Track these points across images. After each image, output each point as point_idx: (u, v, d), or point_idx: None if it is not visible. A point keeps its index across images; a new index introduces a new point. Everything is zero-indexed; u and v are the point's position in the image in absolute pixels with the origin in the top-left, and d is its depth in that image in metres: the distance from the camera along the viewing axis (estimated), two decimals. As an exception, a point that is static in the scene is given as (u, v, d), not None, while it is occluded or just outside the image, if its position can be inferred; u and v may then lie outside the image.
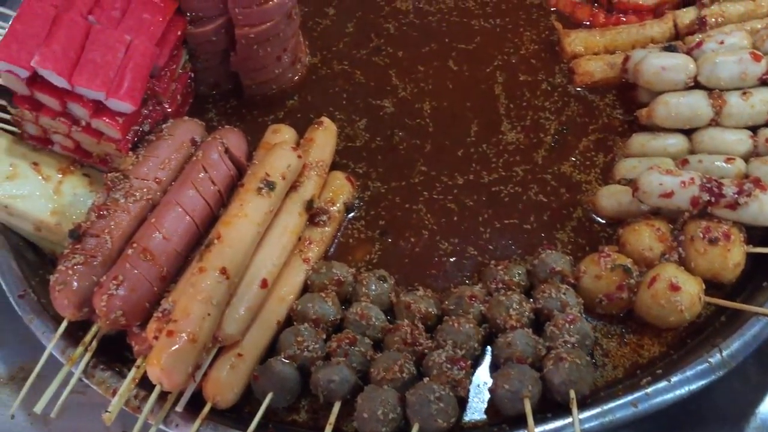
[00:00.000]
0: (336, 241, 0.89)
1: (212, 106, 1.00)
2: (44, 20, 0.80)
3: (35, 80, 0.80)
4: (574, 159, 0.94)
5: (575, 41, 1.00)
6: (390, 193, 0.92)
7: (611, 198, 0.88)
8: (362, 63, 1.02)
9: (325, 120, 0.93)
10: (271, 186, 0.82)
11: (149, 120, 0.88)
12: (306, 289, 0.83)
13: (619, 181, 0.90)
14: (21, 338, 0.92)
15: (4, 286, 0.82)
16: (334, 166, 0.92)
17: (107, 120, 0.82)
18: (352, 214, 0.91)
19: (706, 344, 0.77)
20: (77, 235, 0.77)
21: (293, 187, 0.86)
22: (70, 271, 0.75)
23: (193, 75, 0.96)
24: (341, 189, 0.90)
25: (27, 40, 0.79)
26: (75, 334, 0.77)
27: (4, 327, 0.93)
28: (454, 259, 0.87)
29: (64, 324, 0.76)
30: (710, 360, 0.75)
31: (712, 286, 0.81)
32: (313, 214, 0.87)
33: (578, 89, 0.99)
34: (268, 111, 1.00)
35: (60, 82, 0.79)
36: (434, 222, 0.90)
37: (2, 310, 0.93)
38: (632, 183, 0.84)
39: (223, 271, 0.75)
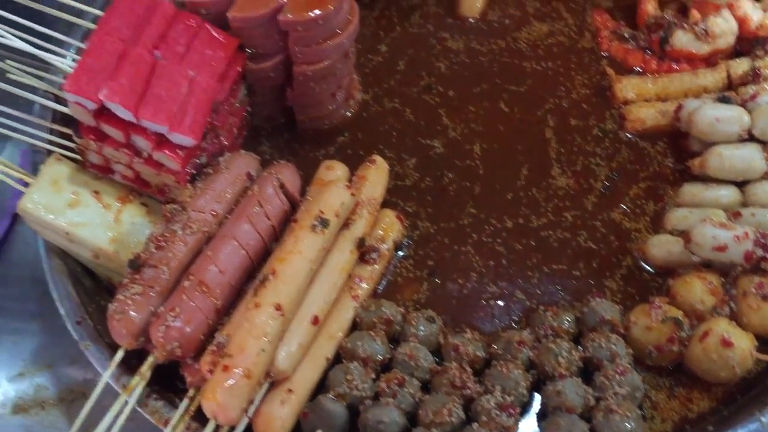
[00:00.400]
0: (385, 279, 0.90)
1: (265, 139, 1.02)
2: (113, 54, 0.83)
3: (102, 112, 0.82)
4: (624, 206, 0.94)
5: (627, 87, 1.01)
6: (439, 233, 0.93)
7: (662, 248, 0.88)
8: (413, 101, 1.04)
9: (378, 158, 0.94)
10: (325, 223, 0.83)
11: (207, 153, 0.89)
12: (355, 326, 0.84)
13: (671, 232, 0.89)
14: (71, 360, 0.94)
15: (62, 312, 0.84)
16: (384, 204, 0.93)
17: (168, 153, 0.84)
18: (401, 253, 0.92)
19: (757, 402, 0.76)
20: (137, 265, 0.79)
21: (345, 224, 0.87)
22: (129, 301, 0.77)
23: (249, 109, 0.98)
24: (391, 227, 0.91)
25: (96, 73, 0.81)
26: (128, 361, 0.79)
27: (54, 349, 0.95)
28: (501, 302, 0.88)
29: (120, 353, 0.77)
30: (762, 419, 0.74)
31: (765, 342, 0.81)
32: (363, 252, 0.88)
33: (629, 135, 0.99)
34: (320, 146, 1.01)
35: (126, 115, 0.81)
36: (482, 264, 0.90)
37: (54, 332, 0.96)
38: (684, 234, 0.84)
39: (278, 307, 0.76)
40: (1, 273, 1.02)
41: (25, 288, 1.01)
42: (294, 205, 0.90)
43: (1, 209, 1.07)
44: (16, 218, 1.08)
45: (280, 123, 1.02)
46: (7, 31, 0.86)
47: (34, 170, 0.92)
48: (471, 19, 1.10)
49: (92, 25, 0.94)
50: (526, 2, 1.11)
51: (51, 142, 0.91)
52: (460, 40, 1.08)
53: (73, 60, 0.90)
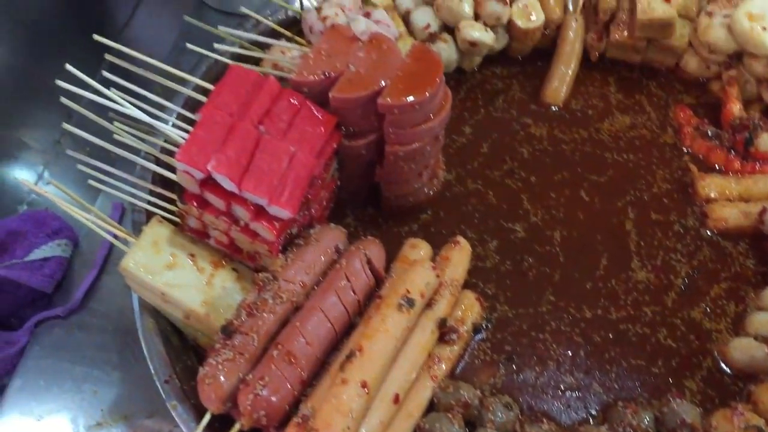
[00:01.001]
0: (462, 360, 0.91)
1: (351, 211, 1.05)
2: (222, 128, 0.87)
3: (207, 182, 0.86)
4: (704, 305, 0.94)
5: (710, 185, 1.02)
6: (517, 318, 0.94)
7: (743, 352, 0.87)
8: (495, 184, 1.06)
9: (461, 240, 0.97)
10: (410, 303, 0.85)
11: (298, 224, 0.93)
12: (432, 406, 0.85)
13: (754, 336, 0.88)
14: (147, 414, 0.97)
15: (152, 369, 0.86)
16: (464, 285, 0.95)
17: (265, 224, 0.87)
18: (479, 336, 0.93)
19: None
20: (229, 331, 0.82)
21: (428, 303, 0.89)
22: (220, 366, 0.80)
23: (338, 182, 1.02)
24: (471, 309, 0.93)
25: (206, 145, 0.85)
26: (211, 424, 0.81)
27: (132, 401, 0.98)
28: (578, 393, 0.88)
29: (207, 416, 0.79)
30: None
31: None
32: (443, 332, 0.90)
33: (711, 234, 1.00)
34: (403, 222, 1.04)
35: (229, 185, 0.85)
36: (560, 353, 0.91)
37: (132, 384, 0.99)
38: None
39: (364, 384, 0.78)
40: (85, 321, 1.06)
41: (107, 338, 1.04)
42: (379, 281, 0.93)
43: (90, 260, 1.12)
44: (103, 269, 1.13)
45: (366, 197, 1.06)
46: (122, 97, 0.92)
47: (132, 228, 0.97)
48: (554, 107, 1.12)
49: (193, 93, 1.00)
50: (609, 94, 1.13)
51: (150, 203, 0.95)
52: (543, 127, 1.11)
53: (174, 125, 0.96)
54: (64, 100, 0.86)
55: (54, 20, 1.19)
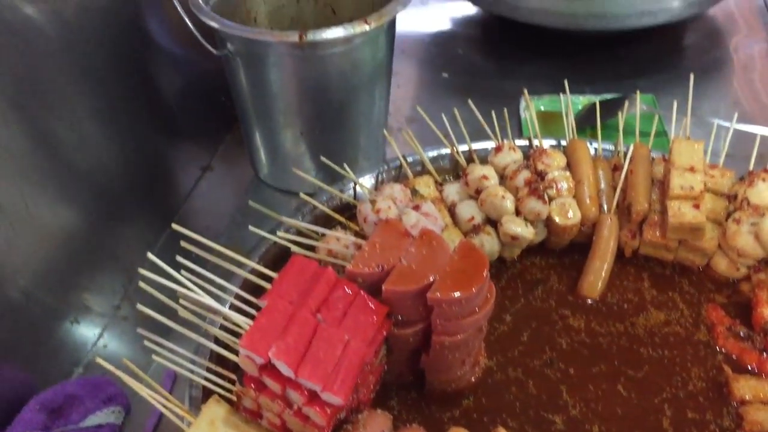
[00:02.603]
0: None
1: (395, 394, 1.09)
2: (283, 315, 0.94)
3: (266, 367, 0.92)
4: None
5: (743, 388, 1.05)
6: None
7: None
8: (536, 373, 1.10)
9: (501, 430, 1.00)
10: (454, 497, 0.88)
11: (347, 408, 0.97)
12: None
13: None
14: None
15: None
16: (503, 476, 0.97)
17: (317, 409, 0.91)
18: None
19: None
20: None
21: (470, 496, 0.92)
22: None
23: (385, 367, 1.06)
24: (511, 503, 0.95)
25: (268, 332, 0.92)
26: None
27: None
28: None
29: None
30: None
31: None
32: None
33: (747, 437, 1.03)
34: (446, 407, 1.07)
35: (287, 371, 0.90)
36: None
37: None
38: None
39: None
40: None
41: None
42: (422, 470, 0.96)
43: (140, 428, 1.16)
44: (151, 437, 1.17)
45: (409, 381, 1.10)
46: (191, 280, 0.99)
47: (189, 403, 1.01)
48: (590, 300, 1.18)
49: (251, 276, 1.07)
50: (644, 289, 1.19)
51: (207, 379, 1.00)
52: (581, 318, 1.16)
53: (232, 305, 1.02)
54: (142, 284, 0.93)
55: (121, 187, 1.29)
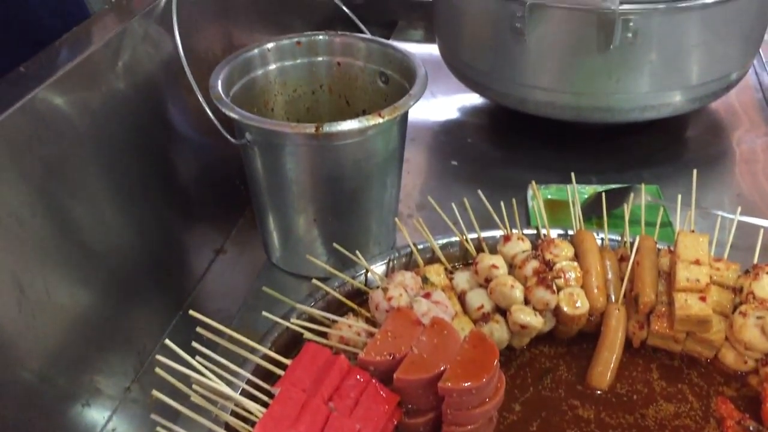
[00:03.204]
0: None
1: (404, 483, 1.09)
2: (296, 404, 0.94)
3: (278, 455, 0.92)
4: None
5: (756, 483, 1.05)
6: None
7: None
8: (546, 465, 1.10)
9: None
10: None
11: (356, 499, 0.97)
12: None
13: None
14: None
15: None
16: None
17: (328, 500, 0.92)
18: None
19: None
20: None
21: None
22: None
23: (395, 456, 1.07)
24: None
25: (281, 421, 0.92)
26: None
27: None
28: None
29: None
30: None
31: None
32: None
33: None
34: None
35: (298, 461, 0.91)
36: None
37: None
38: None
39: None
40: None
41: None
42: None
43: None
44: None
45: (419, 470, 1.10)
46: (204, 365, 1.01)
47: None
48: (599, 391, 1.19)
49: (263, 362, 1.08)
50: (653, 380, 1.19)
51: (217, 466, 1.01)
52: (590, 409, 1.16)
53: (243, 390, 1.03)
54: (159, 370, 0.94)
55: (136, 269, 1.31)
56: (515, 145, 1.82)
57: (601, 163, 1.71)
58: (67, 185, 1.10)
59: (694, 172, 1.30)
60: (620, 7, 1.44)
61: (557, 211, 1.57)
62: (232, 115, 1.24)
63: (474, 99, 1.93)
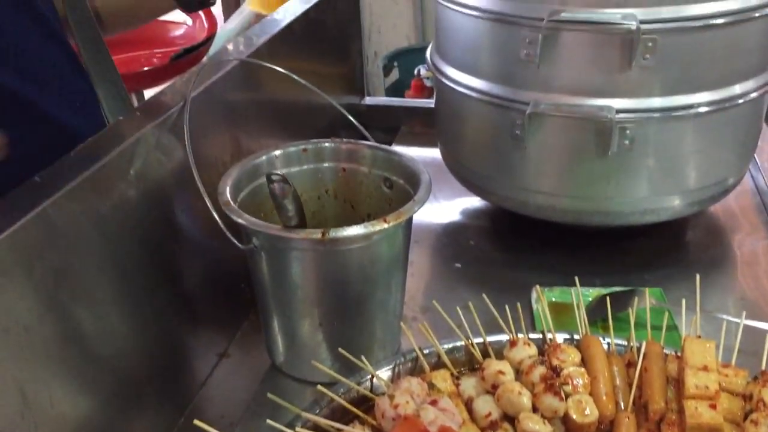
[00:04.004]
0: None
1: None
2: None
3: None
4: None
5: None
6: None
7: None
8: None
9: None
10: None
11: None
12: None
13: None
14: None
15: None
16: None
17: None
18: None
19: None
20: None
21: None
22: None
23: None
24: None
25: None
26: None
27: None
28: None
29: None
30: None
31: None
32: None
33: None
34: None
35: None
36: None
37: None
38: None
39: None
40: None
41: None
42: None
43: None
44: None
45: None
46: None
47: None
48: (612, 502, 1.15)
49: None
50: (666, 492, 1.17)
51: None
52: None
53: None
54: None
55: (140, 374, 1.30)
56: (518, 247, 1.84)
57: (604, 266, 1.73)
58: (75, 292, 1.11)
59: (697, 277, 1.31)
60: (617, 116, 1.48)
61: (562, 313, 1.57)
62: (240, 221, 1.27)
63: (476, 202, 1.96)
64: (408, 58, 4.43)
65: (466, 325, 1.33)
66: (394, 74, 4.55)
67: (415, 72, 3.91)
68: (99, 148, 1.22)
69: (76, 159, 1.18)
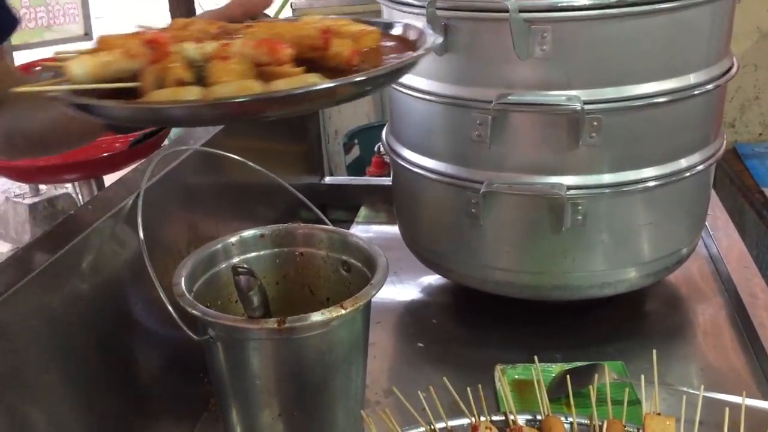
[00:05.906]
0: None
1: None
2: None
3: None
4: None
5: None
6: None
7: None
8: None
9: None
10: None
11: None
12: None
13: None
14: None
15: None
16: None
17: None
18: None
19: None
20: None
21: None
22: None
23: None
24: None
25: None
26: None
27: None
28: None
29: None
30: None
31: None
32: None
33: None
34: None
35: None
36: None
37: None
38: None
39: None
40: None
41: None
42: None
43: None
44: None
45: None
46: None
47: None
48: None
49: None
50: None
51: None
52: None
53: None
54: None
55: None
56: (480, 323, 1.84)
57: (566, 340, 1.73)
58: (26, 391, 1.08)
59: (654, 352, 1.32)
60: (568, 193, 1.51)
61: (526, 391, 1.56)
62: (194, 312, 1.25)
63: (438, 278, 1.97)
64: (368, 135, 4.49)
65: (428, 409, 1.31)
66: (355, 151, 4.60)
67: (375, 149, 3.97)
68: (50, 243, 1.21)
69: (26, 256, 1.17)
